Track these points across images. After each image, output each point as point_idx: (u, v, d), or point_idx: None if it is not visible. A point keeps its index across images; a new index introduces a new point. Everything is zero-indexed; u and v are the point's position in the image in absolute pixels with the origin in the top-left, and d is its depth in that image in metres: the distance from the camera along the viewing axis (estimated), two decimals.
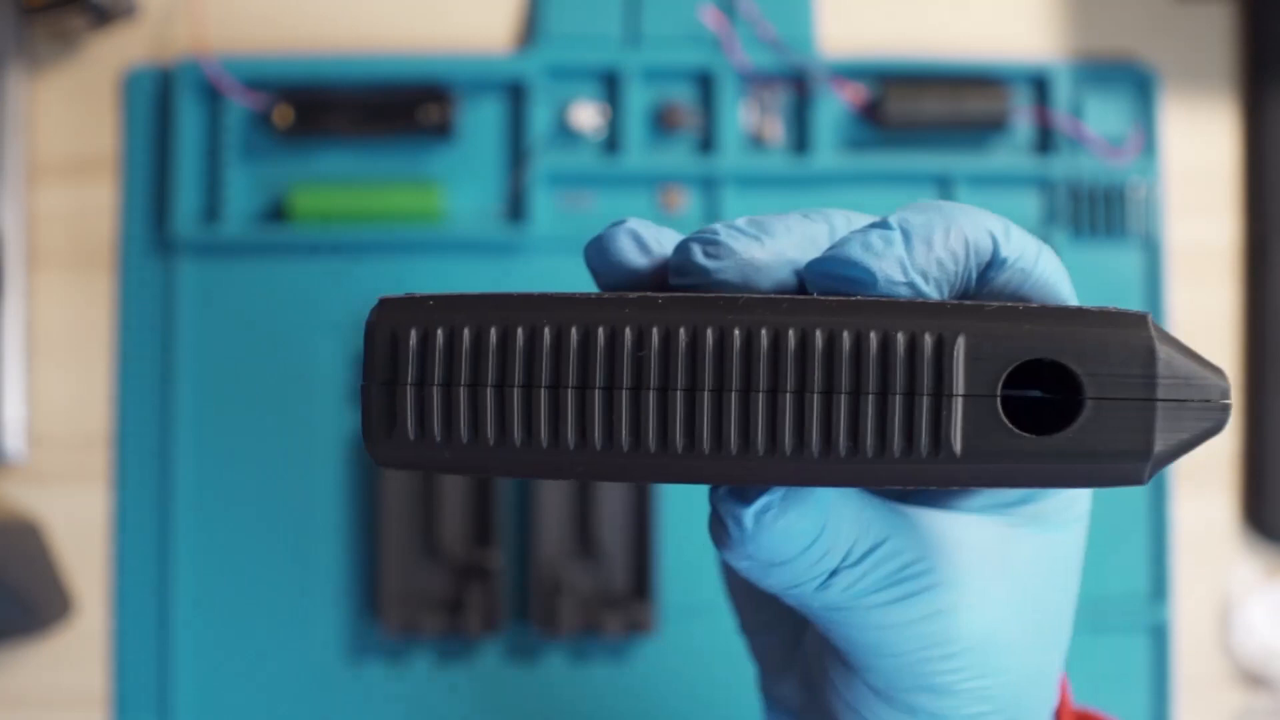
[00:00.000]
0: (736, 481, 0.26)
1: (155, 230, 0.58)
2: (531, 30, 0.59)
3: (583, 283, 0.61)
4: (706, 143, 0.59)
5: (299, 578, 0.57)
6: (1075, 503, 0.32)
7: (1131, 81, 0.60)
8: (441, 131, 0.58)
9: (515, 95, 0.59)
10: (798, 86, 0.59)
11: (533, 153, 0.58)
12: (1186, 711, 0.58)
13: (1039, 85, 0.59)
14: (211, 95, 0.59)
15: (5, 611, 0.54)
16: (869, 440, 0.25)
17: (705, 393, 0.25)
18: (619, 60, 0.58)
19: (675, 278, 0.28)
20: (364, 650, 0.57)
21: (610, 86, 0.59)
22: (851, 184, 0.59)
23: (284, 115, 0.57)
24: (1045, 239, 0.58)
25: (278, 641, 0.57)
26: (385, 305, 0.26)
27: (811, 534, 0.27)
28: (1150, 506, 0.58)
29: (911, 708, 0.30)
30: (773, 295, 0.26)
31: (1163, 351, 0.25)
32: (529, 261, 0.58)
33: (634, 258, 0.29)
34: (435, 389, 0.25)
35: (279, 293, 0.58)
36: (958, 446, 0.25)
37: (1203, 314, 0.60)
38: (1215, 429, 0.26)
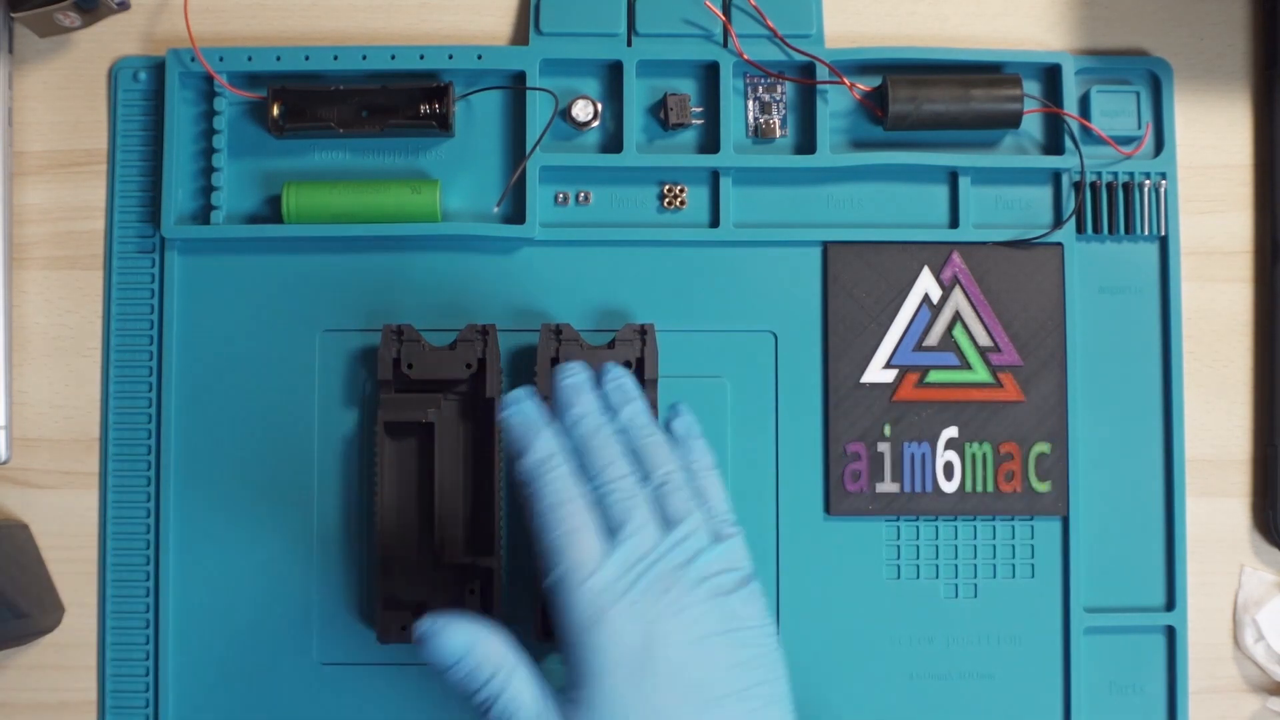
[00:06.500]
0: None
1: (146, 227, 0.57)
2: (531, 24, 0.58)
3: (579, 279, 0.61)
4: (708, 138, 0.58)
5: (291, 582, 0.56)
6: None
7: (1143, 76, 0.59)
8: (439, 127, 0.57)
9: (514, 90, 0.58)
10: (802, 80, 0.58)
11: (531, 149, 0.57)
12: (1199, 716, 0.57)
13: (1049, 79, 0.58)
14: (204, 89, 0.58)
15: None
16: None
17: None
18: (620, 55, 0.57)
19: None
20: (358, 657, 0.56)
21: (611, 81, 0.58)
22: (856, 179, 0.58)
23: (277, 110, 0.56)
24: (1055, 236, 0.57)
25: (269, 647, 0.56)
26: None
27: (459, 654, 0.43)
28: (1164, 510, 0.57)
29: None
30: None
31: None
32: (528, 259, 0.57)
33: None
34: None
35: (272, 291, 0.57)
36: None
37: (1216, 312, 0.59)
38: None
